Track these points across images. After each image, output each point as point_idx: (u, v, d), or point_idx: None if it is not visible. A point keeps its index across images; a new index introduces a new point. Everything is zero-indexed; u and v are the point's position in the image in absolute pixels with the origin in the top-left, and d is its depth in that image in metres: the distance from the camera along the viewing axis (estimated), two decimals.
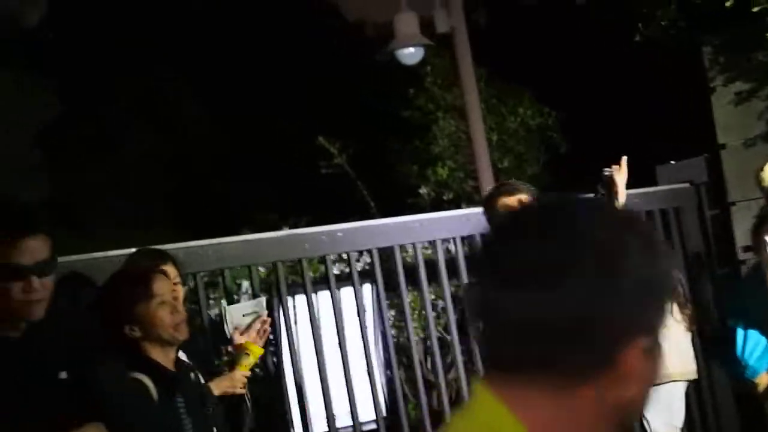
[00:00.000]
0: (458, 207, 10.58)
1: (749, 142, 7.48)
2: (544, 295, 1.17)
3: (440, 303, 7.18)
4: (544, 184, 11.70)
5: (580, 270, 1.16)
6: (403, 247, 6.41)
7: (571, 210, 1.22)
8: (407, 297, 6.42)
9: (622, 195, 3.51)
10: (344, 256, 6.47)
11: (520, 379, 1.21)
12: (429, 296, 6.46)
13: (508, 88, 11.79)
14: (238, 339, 4.24)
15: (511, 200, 3.68)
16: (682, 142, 7.58)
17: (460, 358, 6.39)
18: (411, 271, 6.52)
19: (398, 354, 6.89)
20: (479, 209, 6.13)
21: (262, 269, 7.19)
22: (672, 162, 7.51)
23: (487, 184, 10.18)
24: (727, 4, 6.81)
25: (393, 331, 7.33)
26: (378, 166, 12.61)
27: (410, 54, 9.91)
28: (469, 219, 6.25)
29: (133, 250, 4.42)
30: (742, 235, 7.51)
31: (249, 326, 4.21)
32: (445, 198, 12.36)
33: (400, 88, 12.54)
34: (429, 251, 6.65)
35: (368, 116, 13.00)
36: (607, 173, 3.69)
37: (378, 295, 6.51)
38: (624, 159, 3.56)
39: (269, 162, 13.88)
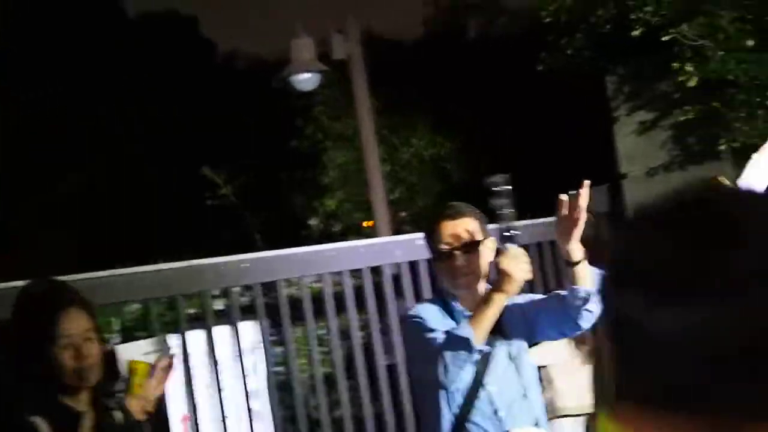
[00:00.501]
0: (346, 239, 10.36)
1: (652, 172, 7.49)
2: (721, 310, 0.91)
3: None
4: None
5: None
6: (289, 281, 6.07)
7: (751, 206, 0.97)
8: (290, 333, 5.99)
9: (581, 226, 3.16)
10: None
11: (668, 416, 0.94)
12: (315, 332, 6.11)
13: (402, 119, 11.69)
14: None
15: (455, 226, 3.37)
16: (585, 171, 7.53)
17: (345, 396, 6.08)
18: (316, 303, 6.21)
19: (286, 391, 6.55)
20: (377, 240, 5.93)
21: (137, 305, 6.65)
22: (572, 192, 7.45)
23: (381, 215, 10.03)
24: (634, 33, 6.82)
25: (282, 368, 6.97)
26: (267, 197, 12.32)
27: (306, 80, 9.70)
28: (365, 251, 5.93)
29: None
30: None
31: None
32: (334, 230, 12.15)
33: (289, 118, 12.30)
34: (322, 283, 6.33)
35: (258, 146, 12.71)
36: (565, 199, 3.36)
37: (263, 332, 6.07)
38: (587, 183, 3.19)
39: (146, 197, 13.42)
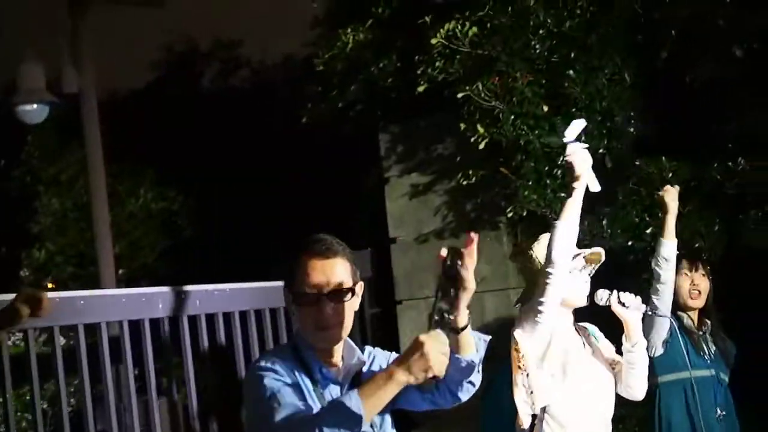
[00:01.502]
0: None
1: (422, 238, 7.09)
2: None
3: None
4: (158, 273, 10.71)
5: None
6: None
7: None
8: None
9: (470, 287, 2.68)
10: None
11: None
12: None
13: (129, 166, 10.74)
14: None
15: (325, 267, 2.78)
16: (353, 233, 7.03)
17: None
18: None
19: None
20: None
21: None
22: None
23: (107, 269, 9.03)
24: (419, 89, 6.43)
25: None
26: None
27: (32, 111, 8.62)
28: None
29: None
30: (407, 333, 7.05)
31: None
32: (43, 284, 10.96)
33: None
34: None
35: None
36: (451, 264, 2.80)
37: None
38: (474, 237, 2.71)
39: None
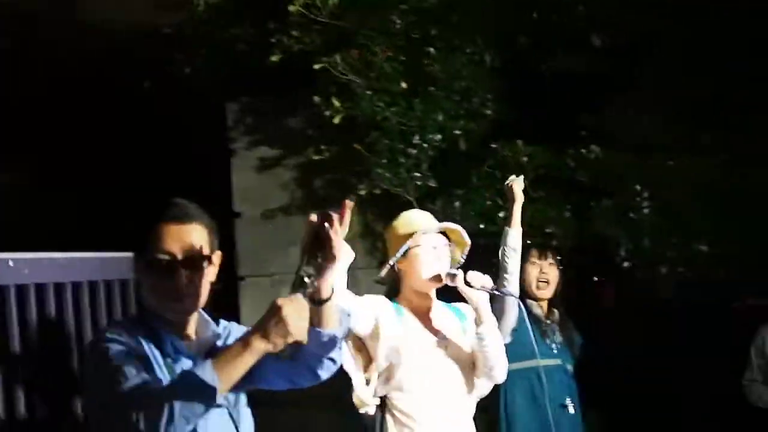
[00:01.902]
0: None
1: (268, 214, 6.84)
2: None
3: None
4: None
5: None
6: None
7: None
8: None
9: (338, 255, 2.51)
10: None
11: None
12: None
13: None
14: None
15: (182, 233, 2.58)
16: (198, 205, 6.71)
17: None
18: None
19: None
20: None
21: None
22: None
23: None
24: (273, 59, 6.16)
25: None
26: None
27: None
28: None
29: None
30: (249, 312, 6.80)
31: None
32: None
33: None
34: None
35: None
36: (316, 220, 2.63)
37: None
38: (350, 202, 2.56)
39: None
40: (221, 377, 2.34)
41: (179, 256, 2.53)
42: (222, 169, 6.93)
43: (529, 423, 4.84)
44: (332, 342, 2.60)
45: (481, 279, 3.89)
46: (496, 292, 4.11)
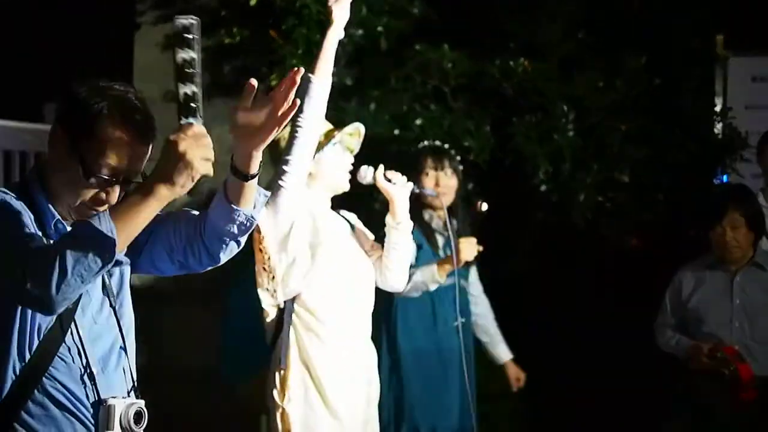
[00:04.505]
0: None
1: (169, 96, 6.41)
2: None
3: None
4: None
5: None
6: None
7: None
8: None
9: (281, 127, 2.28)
10: None
11: None
12: None
13: None
14: None
15: (135, 151, 2.38)
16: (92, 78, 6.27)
17: None
18: None
19: None
20: None
21: None
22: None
23: None
24: None
25: None
26: None
27: None
28: None
29: None
30: None
31: None
32: None
33: None
34: None
35: None
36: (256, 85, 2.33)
37: None
38: (301, 69, 2.29)
39: None
40: (120, 228, 2.10)
41: (121, 176, 2.28)
42: (125, 44, 6.48)
43: (422, 339, 4.70)
44: (247, 224, 2.35)
45: (400, 177, 3.93)
46: (417, 191, 4.13)
